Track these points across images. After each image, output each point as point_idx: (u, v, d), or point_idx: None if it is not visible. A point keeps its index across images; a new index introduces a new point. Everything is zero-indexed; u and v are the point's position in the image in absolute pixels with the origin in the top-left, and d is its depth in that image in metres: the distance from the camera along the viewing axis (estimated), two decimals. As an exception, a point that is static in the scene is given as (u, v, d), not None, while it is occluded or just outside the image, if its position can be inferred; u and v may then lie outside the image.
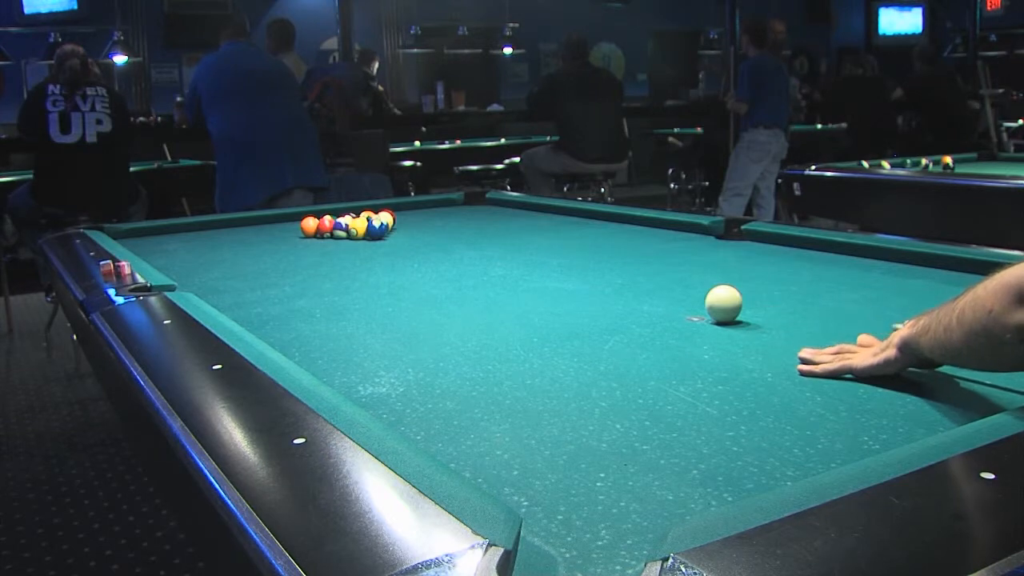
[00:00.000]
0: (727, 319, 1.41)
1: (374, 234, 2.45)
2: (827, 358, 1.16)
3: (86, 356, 2.31)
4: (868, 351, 1.12)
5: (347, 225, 2.47)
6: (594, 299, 1.68)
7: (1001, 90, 7.87)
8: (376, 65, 7.76)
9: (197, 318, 1.37)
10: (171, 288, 1.66)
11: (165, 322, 1.41)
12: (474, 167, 7.01)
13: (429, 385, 1.17)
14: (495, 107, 8.86)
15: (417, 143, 7.35)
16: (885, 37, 13.08)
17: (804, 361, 1.17)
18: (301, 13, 8.08)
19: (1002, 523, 0.67)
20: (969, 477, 0.74)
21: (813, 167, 4.13)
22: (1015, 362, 0.92)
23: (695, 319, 1.46)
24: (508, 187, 6.22)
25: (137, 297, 1.55)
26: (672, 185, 7.92)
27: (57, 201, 4.33)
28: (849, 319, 1.43)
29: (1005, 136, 7.25)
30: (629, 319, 1.49)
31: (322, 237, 2.51)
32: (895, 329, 1.23)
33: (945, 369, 1.09)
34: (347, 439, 0.83)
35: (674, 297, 1.65)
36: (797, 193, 4.07)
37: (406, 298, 1.74)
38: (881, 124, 7.06)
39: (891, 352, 1.07)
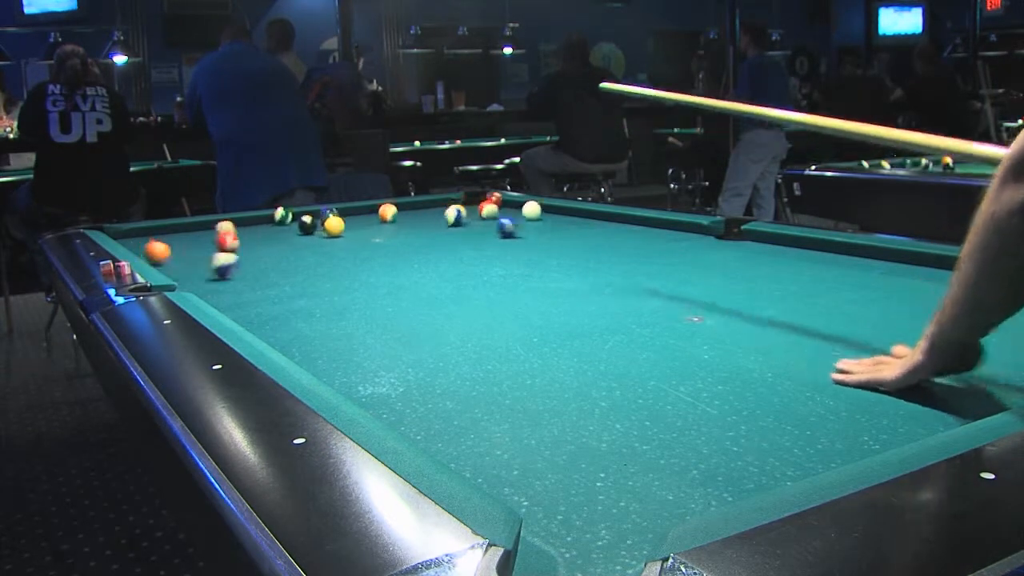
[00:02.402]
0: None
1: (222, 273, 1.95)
2: (861, 369, 1.12)
3: (86, 356, 2.31)
4: (899, 363, 1.08)
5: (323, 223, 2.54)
6: (594, 299, 1.68)
7: (1001, 90, 7.87)
8: (362, 61, 7.64)
9: (197, 318, 1.37)
10: (171, 288, 1.66)
11: (165, 322, 1.41)
12: (474, 167, 7.01)
13: (429, 385, 1.17)
14: (495, 107, 8.85)
15: (417, 143, 7.35)
16: (885, 37, 13.07)
17: (840, 372, 1.13)
18: (301, 13, 8.07)
19: (1002, 523, 0.67)
20: (969, 477, 0.74)
21: (813, 167, 4.12)
22: None
23: (695, 319, 1.46)
24: (508, 187, 6.22)
25: (137, 297, 1.55)
26: (672, 185, 7.92)
27: (57, 201, 4.33)
28: (849, 319, 1.43)
29: (1005, 136, 7.25)
30: (629, 319, 1.49)
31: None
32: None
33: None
34: (347, 439, 0.83)
35: (674, 297, 1.65)
36: (797, 193, 4.07)
37: (406, 298, 1.74)
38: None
39: (917, 358, 1.04)
